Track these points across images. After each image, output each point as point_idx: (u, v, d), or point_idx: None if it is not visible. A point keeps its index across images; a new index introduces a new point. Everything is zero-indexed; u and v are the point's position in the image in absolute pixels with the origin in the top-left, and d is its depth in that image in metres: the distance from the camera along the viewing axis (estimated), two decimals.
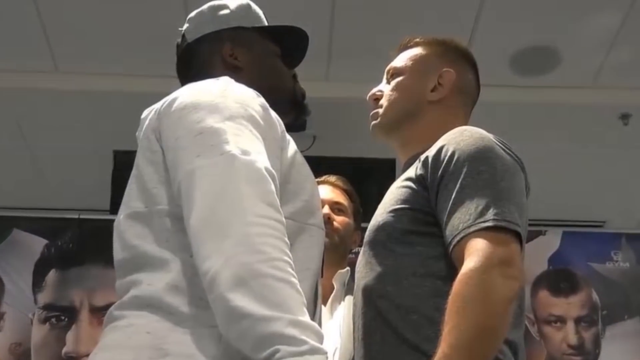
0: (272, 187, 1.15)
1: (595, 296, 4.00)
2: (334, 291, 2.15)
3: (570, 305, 3.98)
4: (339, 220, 2.23)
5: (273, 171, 1.18)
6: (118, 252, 1.27)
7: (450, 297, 1.25)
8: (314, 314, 1.30)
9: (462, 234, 1.31)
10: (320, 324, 1.32)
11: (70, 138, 3.96)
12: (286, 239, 1.11)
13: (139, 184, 1.27)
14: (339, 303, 2.14)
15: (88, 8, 3.40)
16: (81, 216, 3.96)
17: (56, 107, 3.86)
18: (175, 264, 1.18)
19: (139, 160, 1.29)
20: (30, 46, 3.60)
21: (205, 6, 1.55)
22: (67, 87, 3.76)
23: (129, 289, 1.21)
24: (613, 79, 3.78)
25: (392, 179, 1.57)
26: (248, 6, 1.55)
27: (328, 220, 2.16)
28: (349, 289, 2.08)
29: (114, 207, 1.33)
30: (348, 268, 2.11)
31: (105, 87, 3.74)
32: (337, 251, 2.19)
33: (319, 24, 3.47)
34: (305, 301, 1.08)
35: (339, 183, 2.34)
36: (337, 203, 2.27)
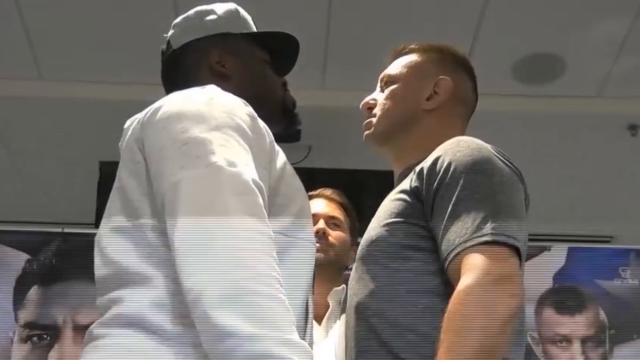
0: (260, 199, 1.15)
1: (602, 315, 4.00)
2: (329, 309, 2.15)
3: (576, 325, 3.98)
4: (334, 235, 2.23)
5: (261, 183, 1.18)
6: (99, 268, 1.27)
7: (446, 315, 1.26)
8: (305, 332, 1.29)
9: (458, 249, 1.31)
10: (311, 343, 1.31)
11: (54, 148, 3.96)
12: (274, 254, 1.11)
13: (122, 196, 1.27)
14: (335, 322, 2.15)
15: (73, 14, 3.41)
16: (65, 230, 3.94)
17: (39, 116, 3.86)
18: (159, 280, 1.17)
19: (122, 172, 1.29)
20: (13, 52, 3.61)
21: (191, 11, 1.56)
22: (51, 95, 3.76)
23: (111, 307, 1.20)
24: (620, 88, 3.79)
25: (390, 191, 1.58)
26: (236, 11, 1.56)
27: (323, 235, 2.17)
28: (345, 306, 2.08)
29: (100, 221, 1.33)
30: (344, 285, 2.12)
31: (91, 95, 3.74)
32: (333, 267, 2.20)
33: (315, 29, 3.48)
34: (294, 319, 1.08)
35: (335, 197, 2.35)
36: (332, 217, 2.27)
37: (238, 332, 1.02)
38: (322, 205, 2.30)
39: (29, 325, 3.76)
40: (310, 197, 2.25)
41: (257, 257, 1.08)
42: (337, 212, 2.30)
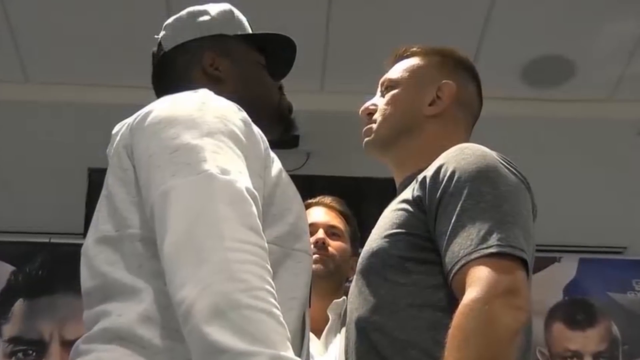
0: (254, 209, 1.15)
1: (615, 329, 4.00)
2: (329, 323, 2.15)
3: (587, 339, 3.98)
4: (334, 245, 2.23)
5: (255, 192, 1.17)
6: (86, 280, 1.27)
7: (450, 330, 1.25)
8: (301, 348, 1.30)
9: (462, 261, 1.31)
10: (308, 359, 1.32)
11: (40, 154, 3.96)
12: (268, 266, 1.11)
13: (109, 205, 1.27)
14: (335, 336, 2.15)
15: (60, 15, 3.41)
16: (52, 240, 3.95)
17: (25, 121, 3.86)
18: (148, 292, 1.18)
19: (109, 180, 1.29)
20: None
21: (183, 12, 1.56)
22: (37, 99, 3.77)
23: (98, 320, 1.20)
24: (632, 91, 3.79)
25: (391, 200, 1.58)
26: (230, 12, 1.56)
27: (322, 245, 2.18)
28: (345, 320, 2.08)
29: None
30: (344, 297, 2.12)
31: (80, 99, 3.74)
32: (333, 279, 2.20)
33: (314, 31, 3.48)
34: (289, 335, 1.08)
35: (335, 205, 2.35)
36: (332, 227, 2.28)
37: (230, 348, 1.02)
38: (321, 213, 2.30)
39: (13, 341, 3.76)
40: (309, 205, 2.26)
41: (251, 269, 1.08)
42: (337, 221, 2.30)
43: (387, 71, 1.70)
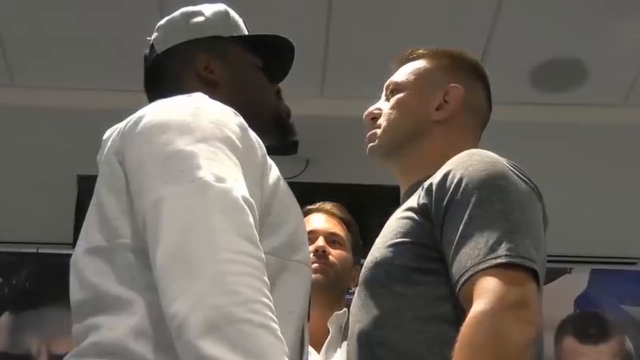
0: (250, 218, 1.15)
1: (628, 344, 4.00)
2: (329, 336, 2.16)
3: (600, 354, 3.98)
4: (334, 253, 2.24)
5: (252, 201, 1.17)
6: (76, 292, 1.27)
7: (457, 344, 1.25)
8: None
9: (470, 272, 1.31)
10: None
11: (27, 161, 3.96)
12: (265, 278, 1.11)
13: (100, 214, 1.27)
14: (335, 350, 2.15)
15: (48, 15, 3.42)
16: (40, 250, 3.96)
17: (12, 126, 3.86)
18: (140, 305, 1.17)
19: (100, 188, 1.29)
20: None
21: (177, 13, 1.56)
22: (24, 103, 3.77)
23: (88, 334, 1.20)
24: None
25: (396, 208, 1.58)
26: (226, 13, 1.56)
27: (323, 253, 2.18)
28: (346, 333, 2.08)
29: None
30: (345, 309, 2.12)
31: (68, 103, 3.74)
32: (333, 289, 2.20)
33: (314, 34, 3.49)
34: (287, 349, 1.08)
35: (336, 211, 2.35)
36: (332, 234, 2.28)
37: None
38: (321, 220, 2.30)
39: None
40: (309, 212, 2.26)
41: (247, 282, 1.08)
42: (337, 229, 2.31)
43: (392, 74, 1.71)
